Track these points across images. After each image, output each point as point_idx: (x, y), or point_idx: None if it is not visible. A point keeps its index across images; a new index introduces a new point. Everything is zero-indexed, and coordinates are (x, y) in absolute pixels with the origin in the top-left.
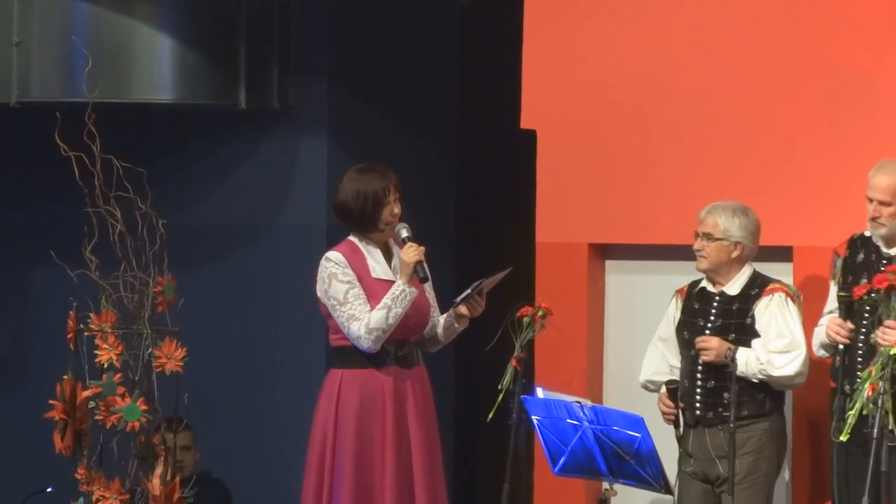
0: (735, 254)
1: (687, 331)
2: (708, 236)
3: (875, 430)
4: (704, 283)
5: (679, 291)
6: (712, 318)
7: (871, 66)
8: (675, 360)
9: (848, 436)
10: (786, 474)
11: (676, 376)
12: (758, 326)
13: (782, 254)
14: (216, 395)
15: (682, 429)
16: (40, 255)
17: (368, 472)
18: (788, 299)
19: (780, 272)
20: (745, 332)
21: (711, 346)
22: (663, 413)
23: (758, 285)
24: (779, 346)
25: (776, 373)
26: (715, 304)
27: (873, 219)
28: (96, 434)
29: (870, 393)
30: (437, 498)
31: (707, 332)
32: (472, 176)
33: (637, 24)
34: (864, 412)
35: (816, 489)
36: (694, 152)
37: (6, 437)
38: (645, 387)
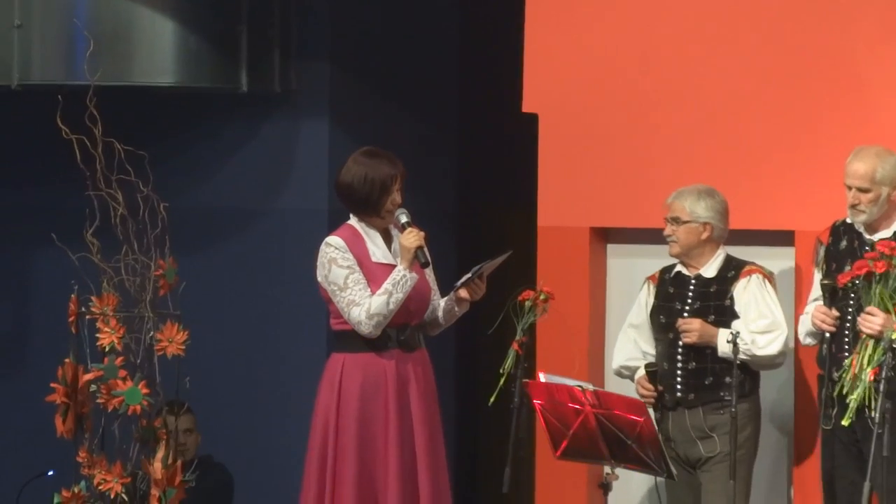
0: (705, 235)
1: (663, 315)
2: (676, 220)
3: (877, 415)
4: (679, 268)
5: (650, 277)
6: (689, 301)
7: (870, 49)
8: (648, 347)
9: (849, 420)
10: None
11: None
12: (737, 308)
13: (784, 238)
14: (218, 379)
15: (659, 412)
16: (42, 238)
17: (371, 456)
18: (766, 280)
19: (782, 256)
20: (724, 314)
21: (694, 327)
22: (642, 396)
23: (734, 267)
24: (761, 326)
25: (760, 352)
26: (692, 287)
27: (853, 206)
28: (98, 417)
29: (871, 378)
30: (440, 480)
31: (685, 314)
32: (474, 160)
33: (638, 9)
34: (866, 399)
35: (806, 475)
36: (695, 136)
37: (7, 421)
38: (618, 373)
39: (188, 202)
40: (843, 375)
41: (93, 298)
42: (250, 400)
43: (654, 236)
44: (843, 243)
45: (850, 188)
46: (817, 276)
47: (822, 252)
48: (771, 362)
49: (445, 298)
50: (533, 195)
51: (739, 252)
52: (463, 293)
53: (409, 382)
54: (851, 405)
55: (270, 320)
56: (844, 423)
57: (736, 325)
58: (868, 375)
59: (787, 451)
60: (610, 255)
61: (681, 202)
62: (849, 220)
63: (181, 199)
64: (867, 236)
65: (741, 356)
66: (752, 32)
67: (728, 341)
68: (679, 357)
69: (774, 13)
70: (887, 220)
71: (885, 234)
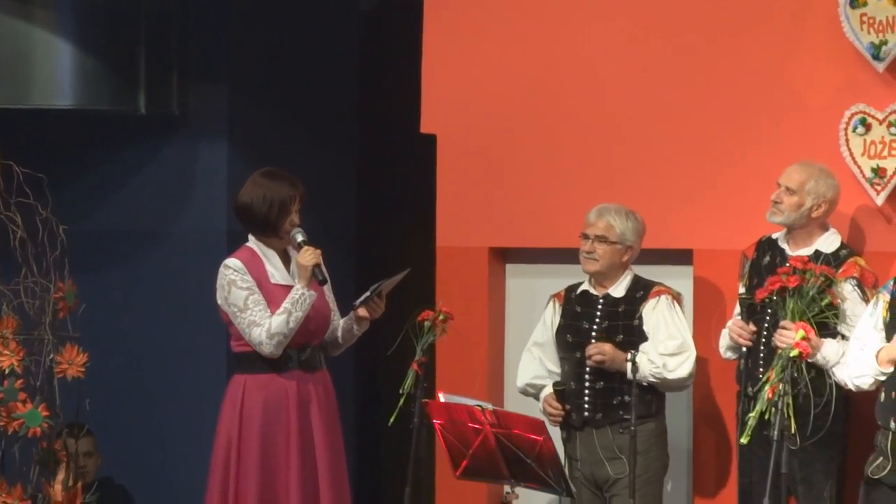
0: (626, 257)
1: (570, 334)
2: (602, 239)
3: (775, 433)
4: (586, 287)
5: (556, 296)
6: (597, 320)
7: (775, 68)
8: (553, 365)
9: (749, 438)
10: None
11: (554, 381)
12: (646, 328)
13: (682, 257)
14: (118, 401)
15: (566, 432)
16: None
17: (273, 477)
18: (674, 301)
19: (680, 275)
20: (632, 334)
21: (605, 351)
22: (550, 415)
23: (642, 287)
24: (670, 347)
25: (671, 376)
26: (599, 306)
27: (774, 203)
28: None
29: (770, 395)
30: (342, 500)
31: (593, 333)
32: (373, 180)
33: (536, 29)
34: (766, 416)
35: (718, 493)
36: (593, 156)
37: None
38: (524, 391)
39: (87, 225)
40: (761, 389)
41: None
42: (151, 422)
43: (552, 256)
44: (767, 258)
45: (779, 185)
46: (741, 290)
47: (746, 266)
48: (681, 384)
49: (345, 318)
50: (432, 215)
51: (638, 270)
52: (362, 312)
53: (311, 403)
54: (750, 423)
55: (170, 342)
56: (743, 440)
57: (645, 347)
58: (767, 393)
59: (687, 468)
60: (509, 274)
61: (608, 220)
62: (774, 236)
63: (80, 222)
64: (789, 252)
65: (651, 379)
66: (649, 53)
67: (627, 360)
68: (587, 377)
69: (674, 33)
70: (809, 238)
71: (807, 251)
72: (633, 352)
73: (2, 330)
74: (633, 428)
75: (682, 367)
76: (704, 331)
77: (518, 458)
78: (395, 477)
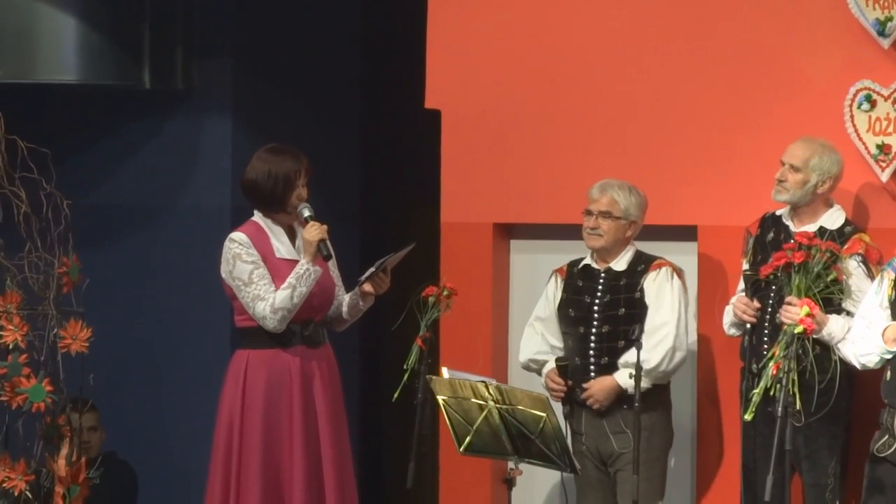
0: (629, 232)
1: (572, 308)
2: (606, 214)
3: (779, 409)
4: (588, 261)
5: (558, 271)
6: (599, 294)
7: (779, 44)
8: (555, 340)
9: (753, 414)
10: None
11: (556, 356)
12: (647, 300)
13: (686, 233)
14: (122, 376)
15: (569, 406)
16: None
17: (276, 452)
18: (675, 274)
19: (684, 251)
20: (634, 307)
21: (594, 395)
22: (552, 390)
23: (643, 261)
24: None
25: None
26: (601, 280)
27: (779, 181)
28: (1, 415)
29: (774, 372)
30: (345, 475)
31: (595, 307)
32: (377, 156)
33: (540, 5)
34: (771, 392)
35: (722, 469)
36: (598, 132)
37: None
38: (526, 367)
39: (91, 199)
40: (765, 365)
41: None
42: (155, 397)
43: (556, 232)
44: (770, 235)
45: (783, 164)
46: (745, 267)
47: (750, 242)
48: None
49: (350, 293)
50: (436, 191)
51: (642, 247)
52: (367, 287)
53: (314, 378)
54: (754, 399)
55: (174, 317)
56: (747, 417)
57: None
58: (771, 370)
59: (691, 445)
60: (513, 250)
61: (612, 195)
62: (778, 213)
63: (84, 197)
64: (794, 229)
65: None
66: (653, 29)
67: (630, 376)
68: (591, 352)
69: (676, 8)
70: (813, 214)
71: (811, 227)
72: (636, 326)
73: (6, 305)
74: (636, 404)
75: (656, 349)
76: (708, 307)
77: (522, 434)
78: (399, 453)
